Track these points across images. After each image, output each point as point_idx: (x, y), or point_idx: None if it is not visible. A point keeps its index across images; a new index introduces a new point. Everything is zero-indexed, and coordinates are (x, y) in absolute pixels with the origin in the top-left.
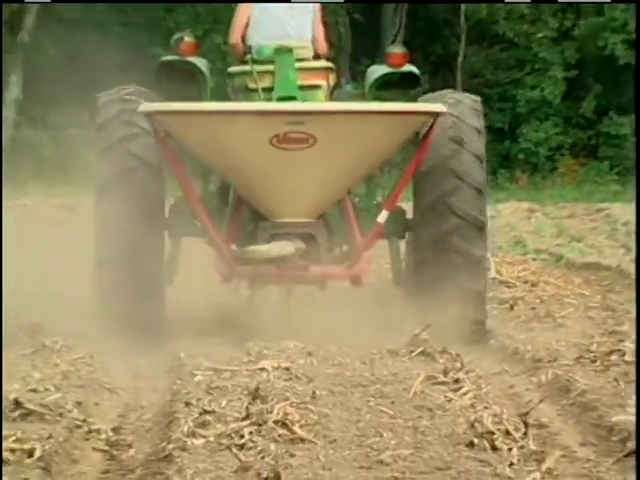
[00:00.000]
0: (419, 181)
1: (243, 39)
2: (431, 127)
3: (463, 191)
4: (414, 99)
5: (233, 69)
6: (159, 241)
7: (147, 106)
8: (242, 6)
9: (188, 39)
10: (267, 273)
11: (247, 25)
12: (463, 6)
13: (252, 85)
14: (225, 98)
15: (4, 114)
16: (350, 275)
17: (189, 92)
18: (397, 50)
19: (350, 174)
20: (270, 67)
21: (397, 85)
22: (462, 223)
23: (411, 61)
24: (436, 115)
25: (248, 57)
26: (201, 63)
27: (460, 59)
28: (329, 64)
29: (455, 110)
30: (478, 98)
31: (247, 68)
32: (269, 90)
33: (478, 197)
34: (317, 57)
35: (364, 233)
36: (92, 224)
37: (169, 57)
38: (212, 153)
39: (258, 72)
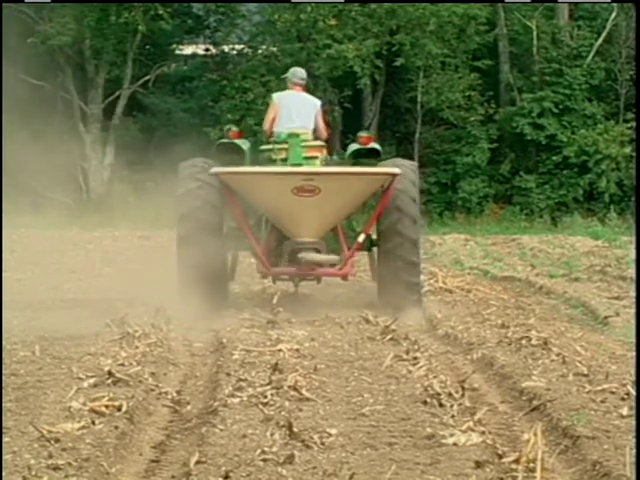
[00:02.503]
0: (379, 234)
1: (270, 128)
2: (391, 182)
3: (403, 245)
4: (376, 164)
5: (263, 147)
6: (222, 253)
7: (215, 169)
8: (271, 107)
9: (235, 129)
10: (288, 271)
11: (273, 119)
12: (419, 97)
13: (274, 157)
14: (257, 165)
15: (103, 175)
16: (341, 274)
17: (235, 161)
18: (365, 134)
19: (341, 211)
20: (285, 146)
21: (365, 156)
22: (403, 264)
23: (377, 139)
24: (394, 175)
25: (272, 139)
26: (243, 144)
27: (417, 135)
28: (323, 143)
29: (399, 185)
30: (415, 165)
31: (271, 146)
32: (284, 160)
33: (414, 247)
34: (315, 139)
35: (349, 248)
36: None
37: (223, 140)
38: (255, 198)
39: (278, 149)
